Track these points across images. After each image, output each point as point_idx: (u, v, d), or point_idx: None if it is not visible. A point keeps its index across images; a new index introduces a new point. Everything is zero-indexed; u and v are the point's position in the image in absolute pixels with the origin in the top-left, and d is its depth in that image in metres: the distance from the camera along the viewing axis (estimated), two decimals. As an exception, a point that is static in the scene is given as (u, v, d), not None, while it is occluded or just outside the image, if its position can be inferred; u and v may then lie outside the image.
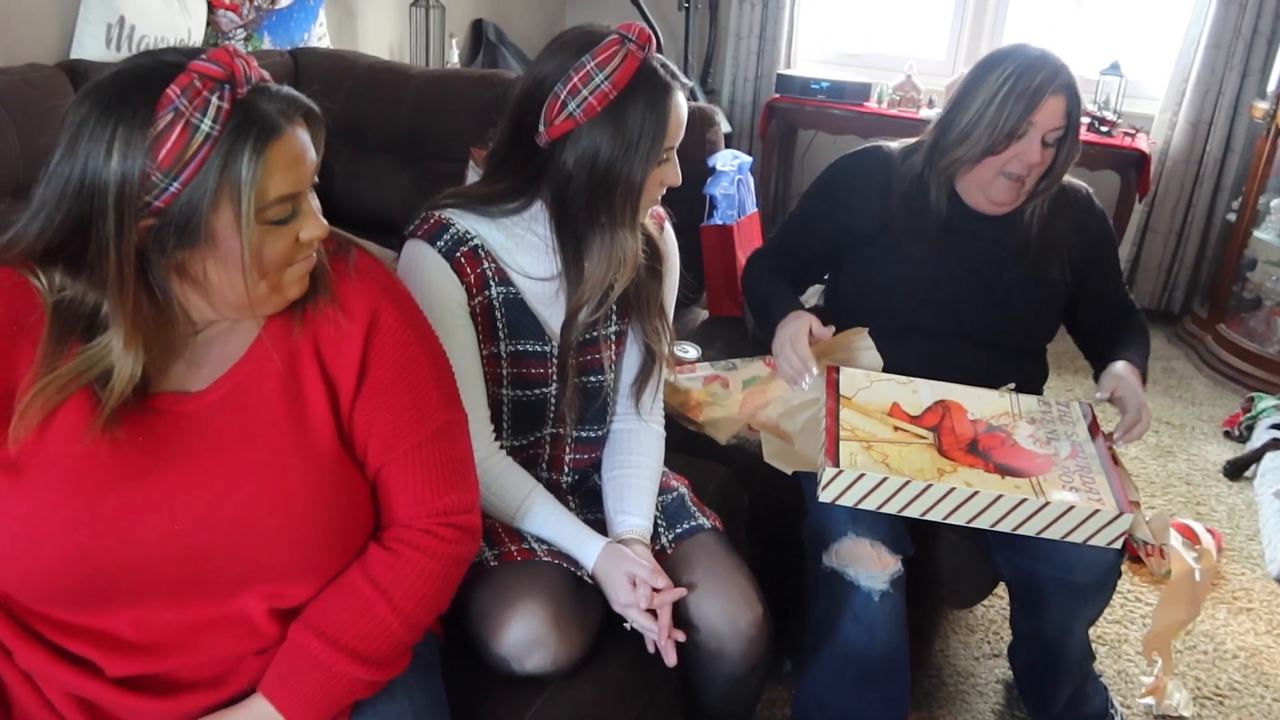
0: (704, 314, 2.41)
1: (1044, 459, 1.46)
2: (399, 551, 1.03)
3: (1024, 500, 1.36)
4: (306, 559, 1.00)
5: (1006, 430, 1.52)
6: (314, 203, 0.97)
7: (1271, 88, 3.49)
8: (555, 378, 1.36)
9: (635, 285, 1.38)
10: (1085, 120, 3.63)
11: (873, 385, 1.60)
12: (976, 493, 1.36)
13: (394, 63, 2.77)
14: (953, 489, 1.36)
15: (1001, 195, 1.61)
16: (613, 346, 1.41)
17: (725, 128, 4.19)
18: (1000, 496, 1.36)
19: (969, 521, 1.39)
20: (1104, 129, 3.64)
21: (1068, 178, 1.72)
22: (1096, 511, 1.35)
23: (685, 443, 1.76)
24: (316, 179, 0.96)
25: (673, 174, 1.30)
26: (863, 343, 1.70)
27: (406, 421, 1.03)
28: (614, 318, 1.40)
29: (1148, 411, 1.56)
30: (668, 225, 1.47)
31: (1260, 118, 3.52)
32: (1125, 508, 1.37)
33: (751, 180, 2.41)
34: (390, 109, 2.57)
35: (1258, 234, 3.52)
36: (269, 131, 0.89)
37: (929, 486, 1.37)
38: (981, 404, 1.58)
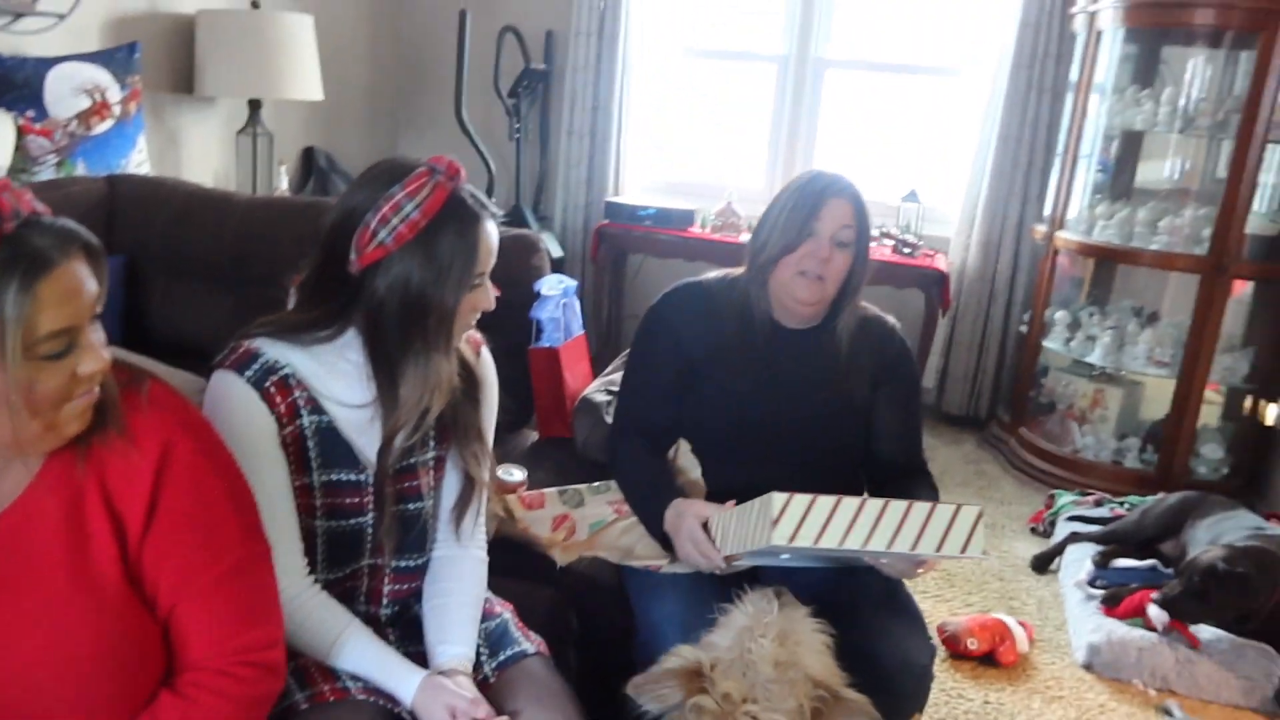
0: (534, 435, 2.43)
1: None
2: (192, 696, 0.98)
3: (911, 505, 1.41)
4: (93, 711, 0.94)
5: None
6: (96, 335, 0.94)
7: (1046, 213, 3.88)
8: (371, 506, 1.34)
9: (453, 410, 1.39)
10: (890, 244, 3.97)
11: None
12: (886, 503, 1.41)
13: (216, 190, 2.75)
14: (866, 500, 1.42)
15: (804, 293, 1.71)
16: (431, 473, 1.40)
17: (557, 252, 4.33)
18: (888, 503, 1.42)
19: (867, 542, 1.40)
20: (907, 250, 3.95)
21: (877, 312, 1.85)
22: (958, 507, 1.42)
23: (513, 567, 1.74)
24: (100, 309, 0.94)
25: (485, 299, 1.34)
26: (681, 456, 1.76)
27: (201, 556, 1.00)
28: (432, 443, 1.40)
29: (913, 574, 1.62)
30: (485, 350, 1.50)
31: (1040, 239, 3.91)
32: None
33: (577, 303, 2.47)
34: (212, 236, 2.54)
35: (1047, 344, 3.86)
36: (39, 266, 0.87)
37: (863, 502, 1.41)
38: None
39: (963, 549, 1.40)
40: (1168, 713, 2.32)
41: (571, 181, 4.52)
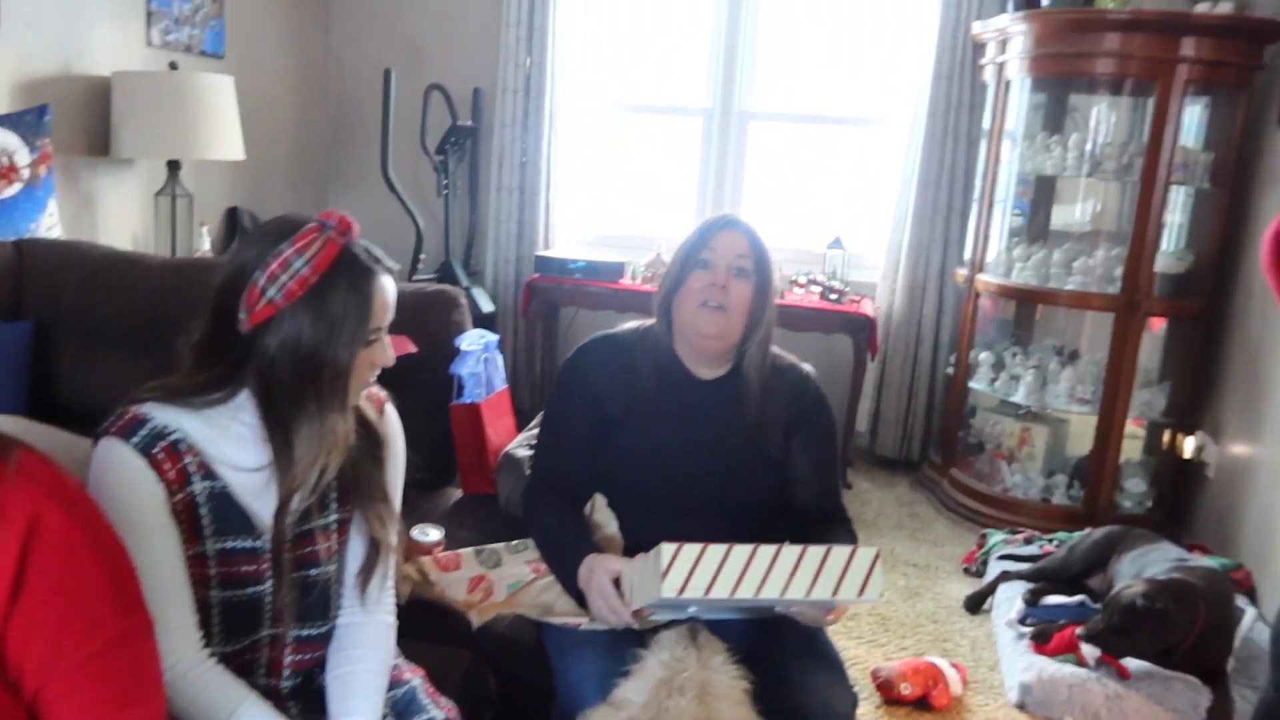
0: (457, 493, 2.39)
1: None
2: (60, 786, 0.93)
3: (805, 550, 1.39)
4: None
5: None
6: None
7: (966, 256, 3.97)
8: (269, 574, 1.30)
9: (355, 471, 1.36)
10: (817, 290, 4.02)
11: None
12: (780, 548, 1.38)
13: (130, 252, 2.69)
14: (759, 547, 1.39)
15: (706, 325, 1.71)
16: (333, 536, 1.37)
17: (488, 307, 4.31)
18: (781, 549, 1.39)
19: (760, 590, 1.38)
20: (833, 296, 4.00)
21: (791, 360, 1.85)
22: (854, 549, 1.40)
23: (427, 629, 1.70)
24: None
25: (383, 355, 1.32)
26: (598, 511, 1.74)
27: (72, 633, 0.95)
28: (333, 506, 1.36)
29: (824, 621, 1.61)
30: (389, 408, 1.47)
31: (961, 282, 4.00)
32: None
33: (499, 358, 2.46)
34: (125, 300, 2.48)
35: (972, 384, 3.92)
36: None
37: (755, 549, 1.38)
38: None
39: (860, 592, 1.38)
40: (1099, 749, 2.33)
41: (502, 236, 4.53)
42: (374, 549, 1.39)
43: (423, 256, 4.29)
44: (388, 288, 1.29)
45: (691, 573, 1.36)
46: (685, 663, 1.34)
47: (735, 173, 4.55)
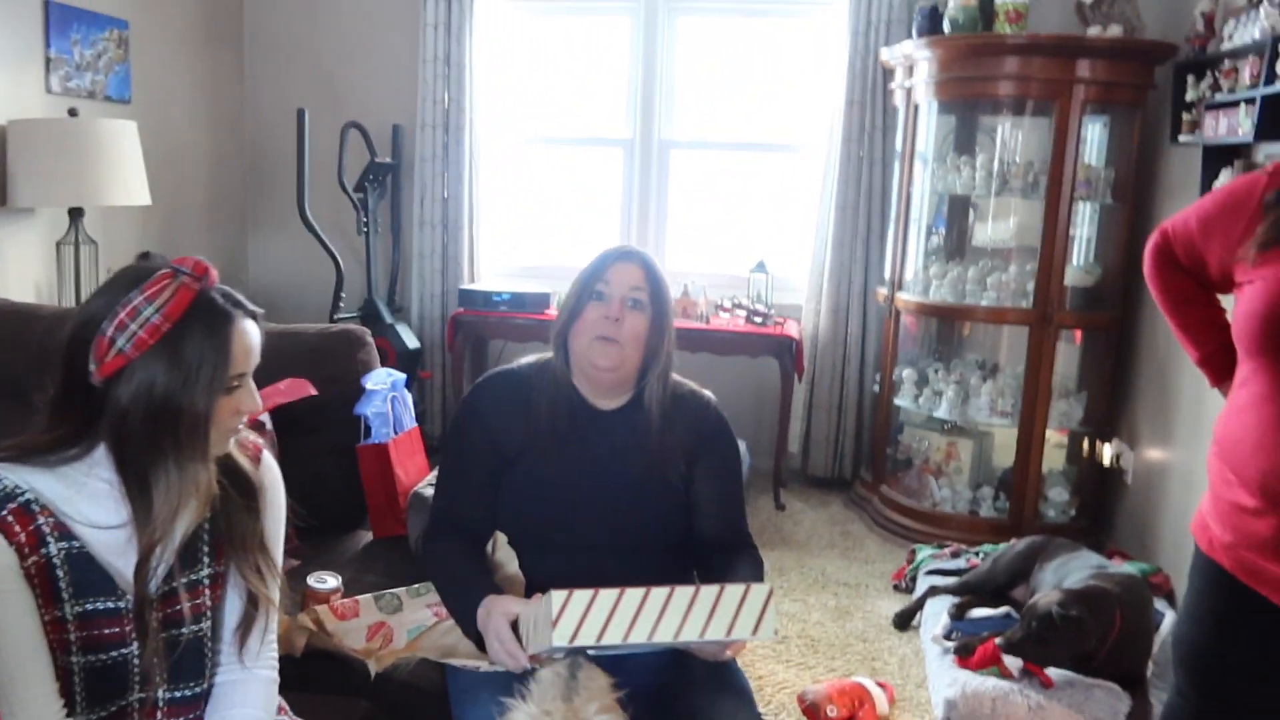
0: (368, 536, 2.35)
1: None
2: None
3: (698, 590, 1.37)
4: None
5: None
6: None
7: (886, 276, 4.02)
8: (134, 635, 1.25)
9: (228, 523, 1.32)
10: (742, 314, 4.04)
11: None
12: (672, 590, 1.36)
13: (20, 303, 2.61)
14: (651, 590, 1.36)
15: (601, 359, 1.69)
16: (205, 592, 1.32)
17: (413, 344, 4.26)
18: (674, 590, 1.37)
19: (654, 634, 1.35)
20: (758, 319, 4.03)
21: (693, 387, 1.84)
22: (748, 587, 1.38)
23: (322, 680, 1.66)
24: None
25: (249, 401, 1.28)
26: (500, 550, 1.71)
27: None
28: (206, 560, 1.32)
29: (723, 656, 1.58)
30: (266, 455, 1.43)
31: (883, 301, 4.04)
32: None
33: (408, 396, 2.42)
34: (12, 351, 2.40)
35: (898, 402, 3.96)
36: None
37: (647, 592, 1.35)
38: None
39: (754, 630, 1.37)
40: (1022, 762, 2.34)
41: (426, 272, 4.50)
42: (252, 603, 1.35)
43: (344, 295, 4.24)
44: (249, 332, 1.26)
45: (583, 620, 1.33)
46: (553, 716, 1.30)
47: (659, 201, 4.58)
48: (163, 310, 1.19)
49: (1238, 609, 1.55)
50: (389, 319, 4.27)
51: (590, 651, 1.53)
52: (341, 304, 4.23)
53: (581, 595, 1.34)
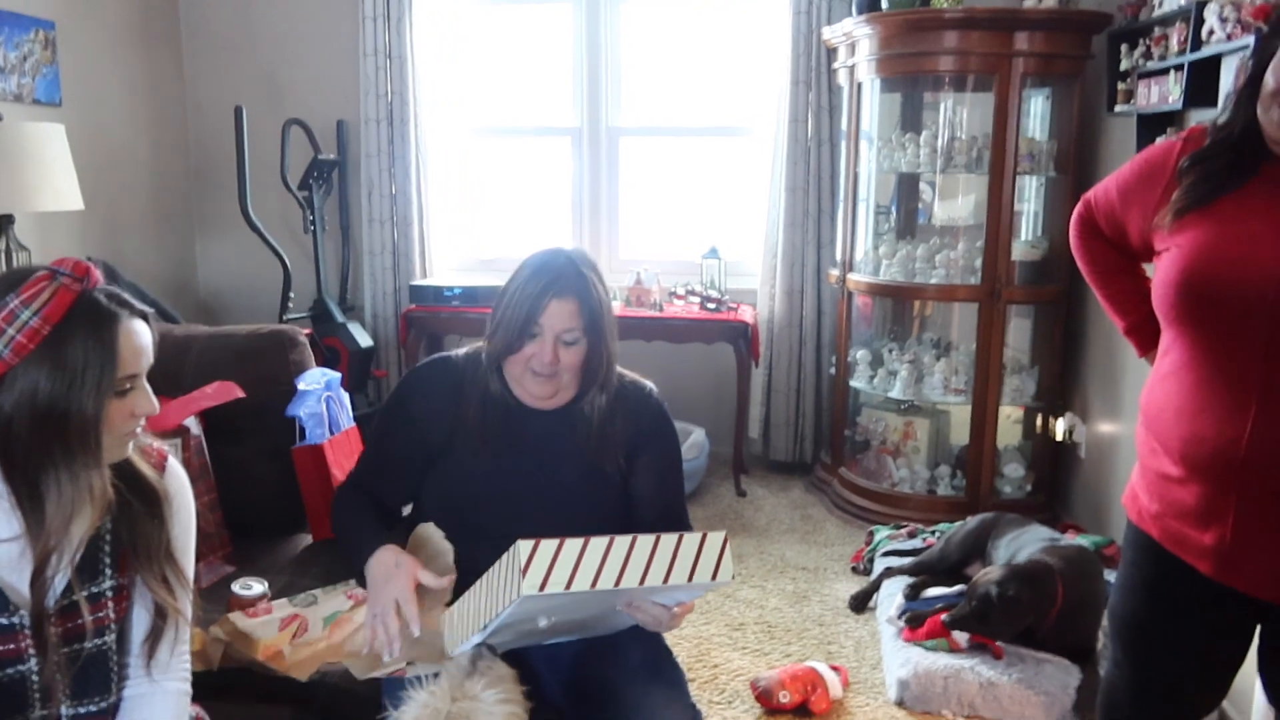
0: (307, 538, 2.31)
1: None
2: None
3: (658, 538, 1.38)
4: None
5: None
6: None
7: (838, 257, 4.01)
8: (33, 651, 1.21)
9: (130, 533, 1.29)
10: (696, 301, 4.02)
11: None
12: (635, 538, 1.37)
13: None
14: (614, 537, 1.37)
15: (537, 389, 1.68)
16: (108, 605, 1.28)
17: (366, 342, 4.21)
18: (635, 537, 1.38)
19: (620, 580, 1.36)
20: (712, 305, 4.01)
21: (634, 378, 1.81)
22: (704, 534, 1.40)
23: (246, 685, 1.62)
24: None
25: (145, 403, 1.24)
26: (433, 540, 1.68)
27: None
28: (108, 571, 1.28)
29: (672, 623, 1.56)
30: (172, 462, 1.39)
31: (835, 283, 4.03)
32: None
33: (345, 396, 2.38)
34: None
35: (853, 383, 3.96)
36: None
37: (611, 540, 1.36)
38: None
39: (713, 575, 1.38)
40: (974, 738, 2.35)
41: (377, 269, 4.44)
42: (160, 615, 1.32)
43: (293, 295, 4.18)
44: (137, 332, 1.22)
45: (552, 567, 1.32)
46: (440, 699, 1.28)
47: (609, 188, 4.54)
48: (41, 313, 1.15)
49: (1167, 578, 1.55)
50: (340, 318, 4.22)
51: (507, 644, 1.50)
52: (290, 304, 4.17)
53: (548, 544, 1.33)
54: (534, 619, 1.44)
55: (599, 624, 1.58)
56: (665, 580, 1.38)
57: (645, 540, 1.38)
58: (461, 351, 1.82)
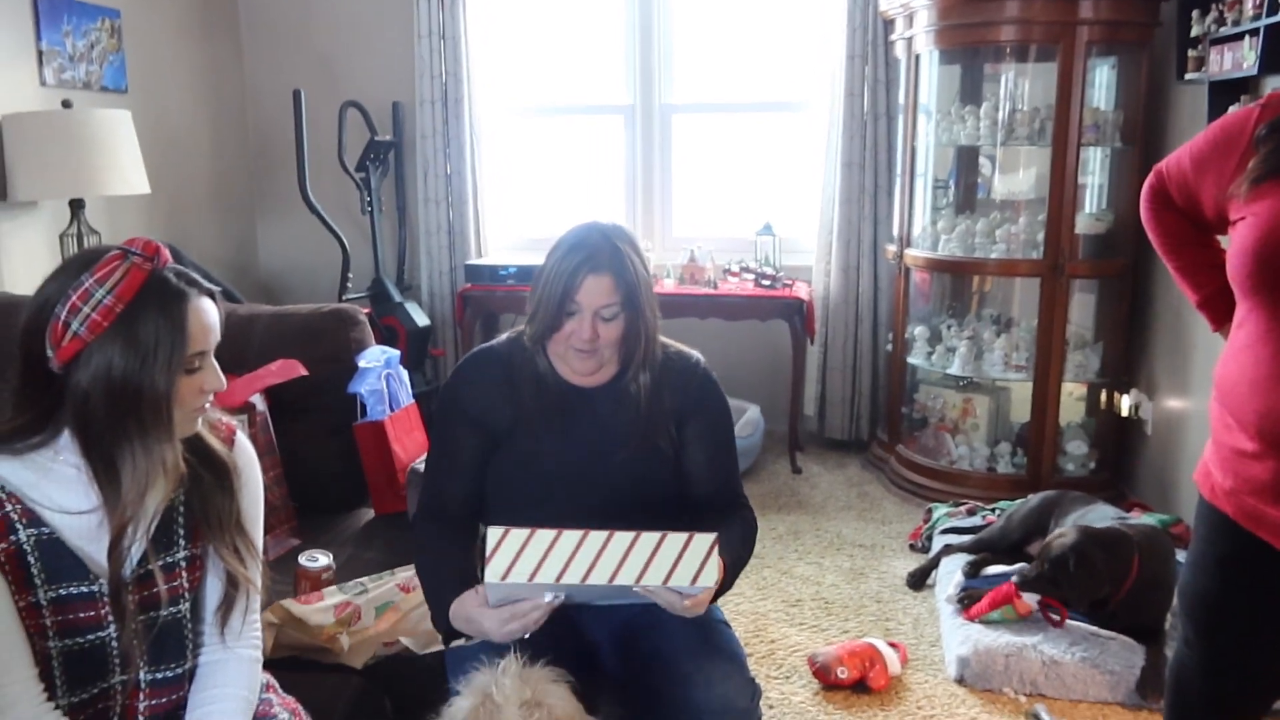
0: (370, 513, 2.35)
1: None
2: None
3: (638, 536, 1.36)
4: None
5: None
6: None
7: (895, 232, 3.96)
8: (110, 619, 1.25)
9: (202, 504, 1.32)
10: (750, 278, 4.00)
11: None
12: (611, 533, 1.36)
13: (21, 296, 2.63)
14: (589, 532, 1.36)
15: (579, 365, 1.68)
16: (182, 574, 1.32)
17: (424, 321, 4.26)
18: (613, 534, 1.37)
19: (587, 577, 1.35)
20: (766, 282, 3.98)
21: (679, 348, 1.80)
22: (690, 536, 1.37)
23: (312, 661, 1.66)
24: None
25: (213, 379, 1.27)
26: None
27: None
28: (181, 542, 1.32)
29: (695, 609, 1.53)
30: (240, 436, 1.42)
31: (892, 259, 3.98)
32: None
33: (404, 373, 2.42)
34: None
35: (911, 360, 3.91)
36: None
37: (585, 533, 1.35)
38: None
39: (692, 580, 1.35)
40: (1036, 717, 2.32)
41: (433, 249, 4.49)
42: (232, 584, 1.35)
43: (351, 276, 4.24)
44: (205, 310, 1.25)
45: (517, 557, 1.32)
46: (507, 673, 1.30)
47: (662, 166, 4.53)
48: (114, 291, 1.18)
49: (1240, 555, 1.51)
50: (398, 298, 4.27)
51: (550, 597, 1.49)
52: (349, 284, 4.23)
53: (517, 534, 1.34)
54: (537, 593, 1.41)
55: (622, 597, 1.52)
56: (638, 580, 1.36)
57: (622, 537, 1.36)
58: (500, 340, 1.81)
